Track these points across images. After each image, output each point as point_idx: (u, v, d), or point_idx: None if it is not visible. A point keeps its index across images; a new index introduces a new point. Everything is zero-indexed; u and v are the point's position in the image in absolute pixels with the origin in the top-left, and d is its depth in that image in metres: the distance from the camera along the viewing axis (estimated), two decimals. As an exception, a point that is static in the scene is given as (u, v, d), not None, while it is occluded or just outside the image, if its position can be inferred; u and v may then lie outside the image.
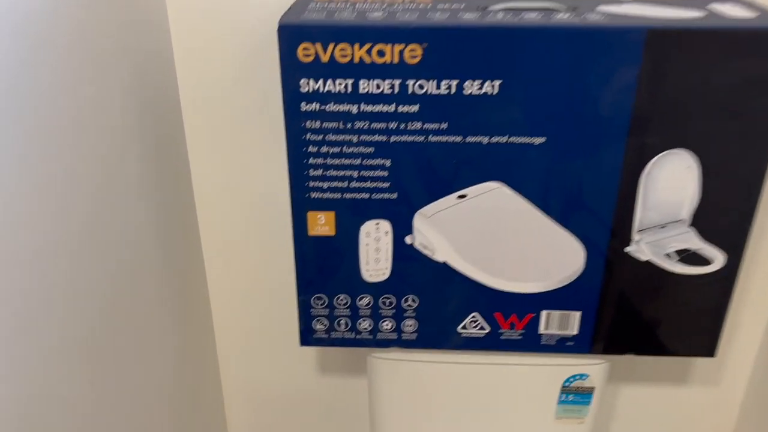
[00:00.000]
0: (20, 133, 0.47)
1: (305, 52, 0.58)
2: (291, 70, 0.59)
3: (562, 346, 0.72)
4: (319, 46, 0.58)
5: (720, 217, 0.64)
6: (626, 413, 0.94)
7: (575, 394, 0.78)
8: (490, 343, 0.73)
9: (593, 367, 0.76)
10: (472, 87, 0.59)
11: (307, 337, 0.74)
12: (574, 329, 0.71)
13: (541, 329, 0.71)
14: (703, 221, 0.64)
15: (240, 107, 0.75)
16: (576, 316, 0.70)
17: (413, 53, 0.58)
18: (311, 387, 0.94)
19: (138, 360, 0.68)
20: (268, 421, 0.98)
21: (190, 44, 0.73)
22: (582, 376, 0.77)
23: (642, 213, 0.64)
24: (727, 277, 0.67)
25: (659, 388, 0.91)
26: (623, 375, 0.90)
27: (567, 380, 0.77)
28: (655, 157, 0.61)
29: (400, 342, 0.74)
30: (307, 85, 0.60)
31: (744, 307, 0.84)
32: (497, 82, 0.59)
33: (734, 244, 0.65)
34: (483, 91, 0.59)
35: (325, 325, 0.73)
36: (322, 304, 0.72)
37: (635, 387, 0.91)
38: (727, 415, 0.93)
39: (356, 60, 0.58)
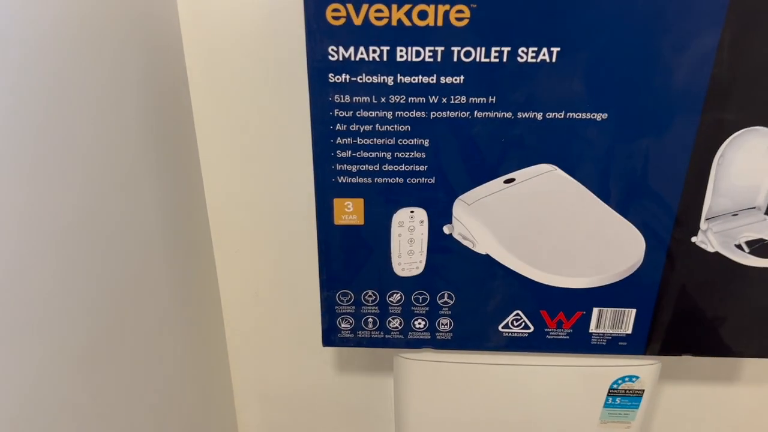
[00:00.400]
0: (28, 133, 0.39)
1: (335, 14, 0.50)
2: (318, 35, 0.51)
3: (614, 346, 0.65)
4: (351, 7, 0.50)
5: (801, 204, 0.57)
6: (671, 414, 0.87)
7: (623, 397, 0.71)
8: (535, 344, 0.66)
9: (644, 368, 0.69)
10: (526, 55, 0.51)
11: (330, 337, 0.67)
12: (628, 328, 0.64)
13: (592, 328, 0.64)
14: (781, 208, 0.57)
15: (251, 85, 0.67)
16: (631, 314, 0.63)
17: (460, 15, 0.50)
18: (328, 387, 0.87)
19: (146, 361, 0.60)
20: (281, 423, 0.91)
21: (198, 7, 0.65)
22: (632, 378, 0.70)
23: (712, 199, 0.57)
24: (804, 270, 0.60)
25: (708, 387, 0.84)
26: (670, 374, 0.84)
27: (615, 382, 0.70)
28: (732, 136, 0.54)
29: (434, 342, 0.67)
30: (336, 53, 0.52)
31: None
32: (555, 50, 0.51)
33: (815, 233, 0.58)
34: (539, 59, 0.51)
35: (351, 324, 0.66)
36: (348, 301, 0.64)
37: (682, 386, 0.84)
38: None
39: (394, 23, 0.50)
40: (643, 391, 0.71)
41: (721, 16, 0.49)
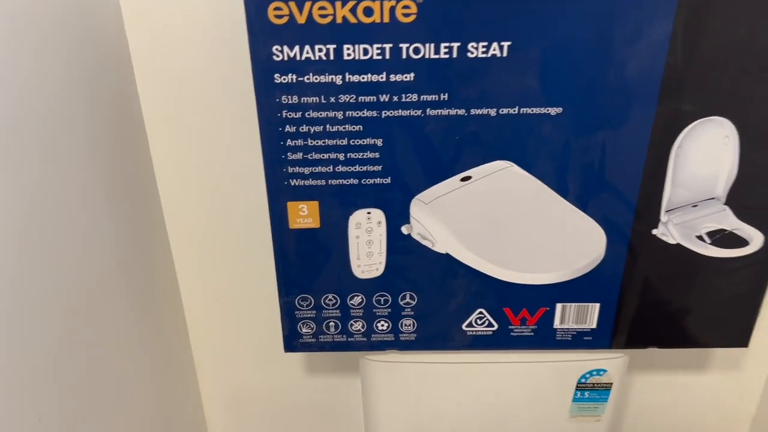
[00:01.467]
0: None
1: (277, 12, 0.48)
2: (261, 35, 0.49)
3: (579, 341, 0.64)
4: (293, 5, 0.48)
5: (760, 194, 0.56)
6: (642, 403, 0.87)
7: (591, 391, 0.71)
8: (500, 342, 0.65)
9: (612, 362, 0.69)
10: (476, 50, 0.50)
11: (292, 343, 0.65)
12: (592, 323, 0.63)
13: (556, 324, 0.63)
14: (740, 198, 0.56)
15: (202, 85, 0.65)
16: (595, 309, 0.62)
17: (407, 10, 0.48)
18: (296, 390, 0.86)
19: (108, 372, 0.58)
20: (251, 427, 0.90)
21: (145, 27, 0.62)
22: (599, 371, 0.69)
23: (672, 191, 0.56)
24: (765, 259, 0.59)
25: (677, 376, 0.84)
26: (639, 364, 0.83)
27: (583, 376, 0.70)
28: (689, 126, 0.53)
29: (399, 344, 0.65)
30: (280, 53, 0.50)
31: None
32: (506, 44, 0.50)
33: (775, 222, 0.57)
34: (490, 54, 0.50)
35: (313, 329, 0.64)
36: (308, 306, 0.63)
37: (652, 376, 0.84)
38: (748, 403, 0.87)
39: (339, 20, 0.49)
40: (612, 384, 0.70)
41: (673, 5, 0.48)
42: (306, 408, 0.87)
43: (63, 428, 0.51)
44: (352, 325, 0.64)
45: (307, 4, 0.48)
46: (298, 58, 0.50)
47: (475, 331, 0.64)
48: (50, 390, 0.50)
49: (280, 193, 0.56)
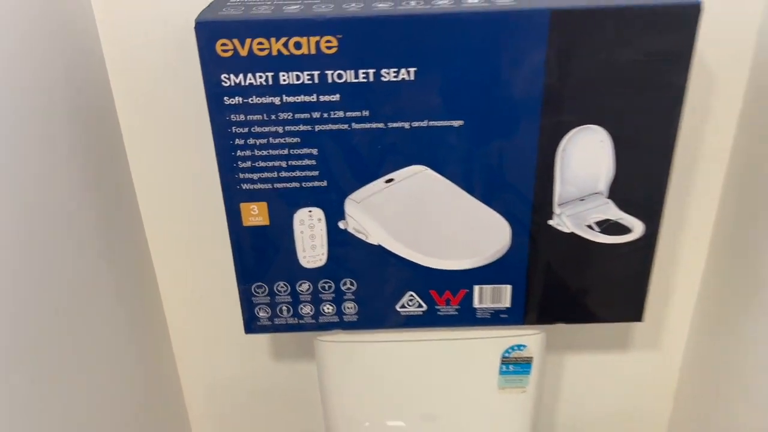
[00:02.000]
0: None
1: (223, 47, 0.59)
2: (211, 66, 0.60)
3: (496, 318, 0.75)
4: (236, 42, 0.59)
5: (636, 188, 0.67)
6: (571, 382, 0.97)
7: (515, 365, 0.81)
8: (429, 320, 0.75)
9: (530, 338, 0.79)
10: (389, 74, 0.61)
11: (251, 325, 0.76)
12: (506, 302, 0.74)
13: (476, 303, 0.74)
14: (620, 192, 0.67)
15: (173, 105, 0.76)
16: (507, 290, 0.73)
17: (329, 44, 0.60)
18: (266, 374, 0.96)
19: (91, 363, 0.69)
20: (227, 411, 1.00)
21: (120, 47, 0.73)
22: (520, 346, 0.80)
23: (561, 187, 0.67)
24: (648, 244, 0.70)
25: (602, 356, 0.95)
26: (566, 345, 0.94)
27: (506, 351, 0.80)
28: (569, 134, 0.64)
29: (343, 324, 0.76)
30: (228, 80, 0.61)
31: (676, 273, 0.88)
32: (413, 69, 0.61)
33: (651, 212, 0.68)
34: (400, 78, 0.61)
35: (268, 313, 0.75)
36: (263, 292, 0.73)
37: (578, 356, 0.95)
38: (668, 378, 0.97)
39: (274, 53, 0.60)
40: (532, 358, 0.81)
41: (544, 36, 0.59)
42: (276, 391, 0.97)
43: (44, 417, 0.62)
44: (301, 308, 0.75)
45: (248, 41, 0.59)
46: (242, 84, 0.61)
47: (407, 311, 0.75)
48: (29, 379, 0.60)
49: (233, 196, 0.67)
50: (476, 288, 0.73)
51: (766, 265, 0.72)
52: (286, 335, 0.93)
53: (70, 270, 0.66)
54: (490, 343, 0.80)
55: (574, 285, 0.73)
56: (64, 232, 0.65)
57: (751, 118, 0.75)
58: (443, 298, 0.74)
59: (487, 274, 0.72)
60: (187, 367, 0.96)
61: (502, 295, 0.74)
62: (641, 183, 0.67)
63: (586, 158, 0.65)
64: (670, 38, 0.59)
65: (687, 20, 0.59)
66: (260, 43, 0.59)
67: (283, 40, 0.59)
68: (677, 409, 0.98)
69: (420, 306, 0.74)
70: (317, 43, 0.59)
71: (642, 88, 0.62)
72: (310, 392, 0.98)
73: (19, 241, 0.58)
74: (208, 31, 0.59)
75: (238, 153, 0.65)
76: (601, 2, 0.59)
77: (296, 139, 0.64)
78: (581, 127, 0.64)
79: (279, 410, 1.00)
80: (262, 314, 0.75)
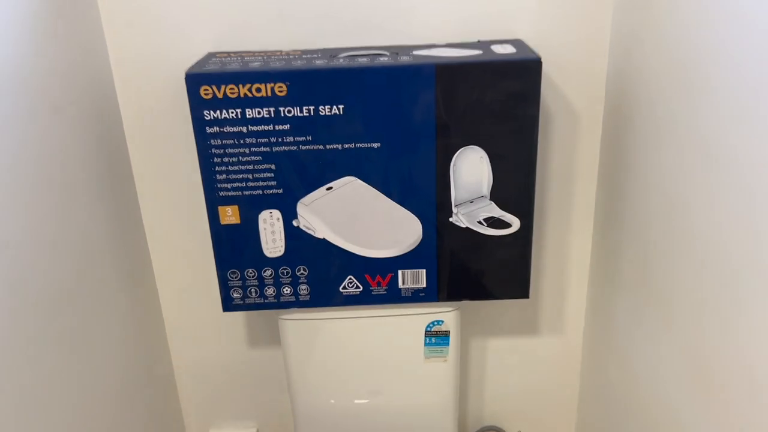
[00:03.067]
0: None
1: (205, 92, 0.84)
2: (197, 104, 0.84)
3: (417, 296, 0.97)
4: (215, 87, 0.83)
5: (510, 192, 0.90)
6: (494, 363, 1.19)
7: (436, 338, 1.03)
8: (365, 299, 0.98)
9: (446, 314, 1.01)
10: (324, 110, 0.85)
11: (227, 304, 0.98)
12: (423, 283, 0.96)
13: (400, 285, 0.97)
14: (499, 196, 0.90)
15: (170, 132, 1.00)
16: (423, 273, 0.96)
17: (281, 88, 0.84)
18: (243, 354, 1.17)
19: (93, 342, 0.91)
20: (212, 388, 1.21)
21: (132, 91, 0.98)
22: (438, 322, 1.02)
23: (455, 192, 0.90)
24: (525, 235, 0.93)
25: (518, 340, 1.17)
26: (489, 331, 1.16)
27: (428, 326, 1.02)
28: (457, 152, 0.88)
29: (299, 303, 0.98)
30: (209, 115, 0.85)
31: (568, 268, 1.11)
32: (341, 106, 0.85)
33: (524, 211, 0.91)
34: (333, 112, 0.85)
35: (241, 294, 0.97)
36: (236, 278, 0.96)
37: (499, 340, 1.16)
38: (573, 358, 1.19)
39: (242, 95, 0.84)
40: (449, 331, 1.03)
41: (433, 82, 0.83)
42: (255, 370, 1.19)
43: (49, 384, 0.84)
44: (266, 290, 0.97)
45: (223, 87, 0.83)
46: (219, 117, 0.85)
47: (348, 291, 0.97)
48: (41, 339, 0.83)
49: (213, 201, 0.90)
50: (400, 272, 0.96)
51: (628, 257, 0.95)
52: (262, 322, 1.14)
53: (79, 257, 0.89)
54: (415, 320, 1.02)
55: (473, 269, 0.95)
56: (81, 232, 0.88)
57: (609, 138, 0.99)
58: (375, 281, 0.96)
59: (407, 260, 0.95)
60: (178, 352, 1.17)
61: (420, 278, 0.96)
62: (513, 188, 0.90)
63: (471, 170, 0.89)
64: (521, 83, 0.84)
65: (533, 70, 0.83)
66: (231, 89, 0.84)
67: (247, 86, 0.83)
68: (583, 385, 1.19)
69: (357, 287, 0.97)
70: (272, 88, 0.84)
71: (506, 118, 0.86)
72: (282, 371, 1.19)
73: (49, 222, 0.81)
74: (194, 80, 0.83)
75: (216, 168, 0.88)
76: (472, 58, 0.83)
77: (259, 158, 0.88)
78: (466, 147, 0.87)
79: (256, 384, 1.20)
80: (235, 295, 0.97)
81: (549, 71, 0.97)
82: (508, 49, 0.87)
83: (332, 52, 0.90)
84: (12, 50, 0.73)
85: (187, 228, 1.07)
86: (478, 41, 0.93)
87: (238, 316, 1.14)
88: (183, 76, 0.96)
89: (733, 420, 0.68)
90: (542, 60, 0.83)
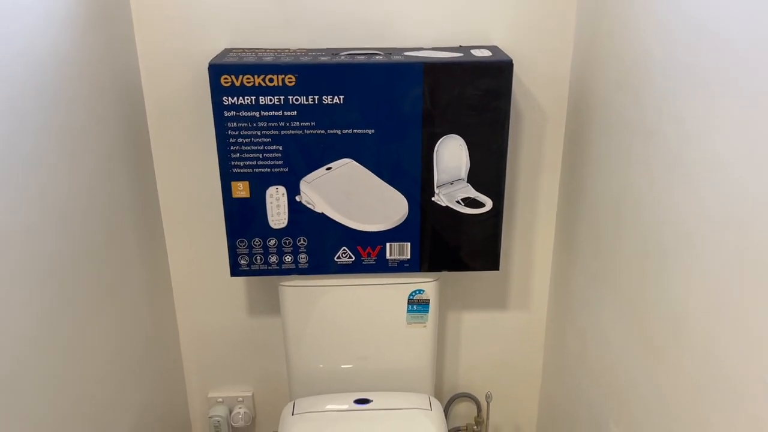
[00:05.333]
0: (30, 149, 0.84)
1: (225, 80, 0.97)
2: (217, 91, 0.98)
3: (402, 267, 1.11)
4: (233, 77, 0.97)
5: (484, 176, 1.05)
6: (468, 335, 1.33)
7: (417, 305, 1.17)
8: (357, 268, 1.11)
9: (427, 284, 1.15)
10: (327, 99, 0.99)
11: (235, 270, 1.11)
12: (408, 255, 1.10)
13: (388, 256, 1.10)
14: (474, 179, 1.05)
15: (191, 115, 1.14)
16: (408, 246, 1.10)
17: (290, 80, 0.98)
18: (243, 322, 1.30)
19: (113, 305, 1.04)
20: (214, 354, 1.33)
21: (156, 80, 1.11)
22: (419, 291, 1.16)
23: (437, 175, 1.04)
24: (496, 214, 1.07)
25: (489, 314, 1.31)
26: (463, 305, 1.30)
27: (411, 294, 1.16)
28: (440, 140, 1.02)
29: (298, 270, 1.12)
30: (227, 100, 0.99)
31: (533, 250, 1.25)
32: (342, 96, 0.99)
33: (496, 192, 1.06)
34: (334, 102, 0.99)
35: (247, 261, 1.10)
36: (244, 246, 1.09)
37: (472, 314, 1.31)
38: (538, 332, 1.33)
39: (256, 84, 0.98)
40: (429, 300, 1.17)
41: (421, 78, 0.98)
42: (256, 336, 1.31)
43: (69, 337, 0.97)
44: (270, 258, 1.10)
45: (240, 77, 0.97)
46: (236, 103, 0.99)
47: (342, 261, 1.11)
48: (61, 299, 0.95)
49: (227, 176, 1.04)
50: (387, 245, 1.10)
51: (585, 237, 1.10)
52: (264, 290, 1.27)
53: (104, 223, 1.02)
54: (399, 288, 1.15)
55: (451, 243, 1.10)
56: (107, 212, 1.01)
57: (572, 132, 1.14)
58: (366, 252, 1.10)
59: (394, 234, 1.09)
60: (183, 317, 1.30)
61: (405, 250, 1.10)
62: (487, 173, 1.05)
63: (452, 156, 1.03)
64: (495, 81, 0.98)
65: (506, 70, 0.98)
66: (248, 78, 0.97)
67: (261, 77, 0.97)
68: (546, 354, 1.34)
69: (350, 257, 1.11)
70: (283, 79, 0.98)
71: (482, 111, 1.00)
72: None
73: (82, 207, 0.94)
74: (216, 70, 0.97)
75: (231, 147, 1.02)
76: (454, 59, 0.98)
77: (268, 139, 1.02)
78: (447, 135, 1.02)
79: (257, 348, 1.33)
80: (242, 262, 1.10)
81: (520, 74, 1.12)
82: (485, 53, 1.02)
83: (334, 51, 1.04)
84: (55, 43, 0.86)
85: (196, 202, 1.20)
86: (460, 46, 1.08)
87: (241, 285, 1.27)
88: (201, 68, 1.09)
89: (671, 373, 0.82)
90: (514, 62, 0.98)
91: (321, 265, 1.11)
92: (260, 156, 1.03)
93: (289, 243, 1.09)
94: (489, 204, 1.07)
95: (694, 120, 0.73)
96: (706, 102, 0.71)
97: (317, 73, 0.98)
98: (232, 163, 1.03)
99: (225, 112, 0.99)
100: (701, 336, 0.73)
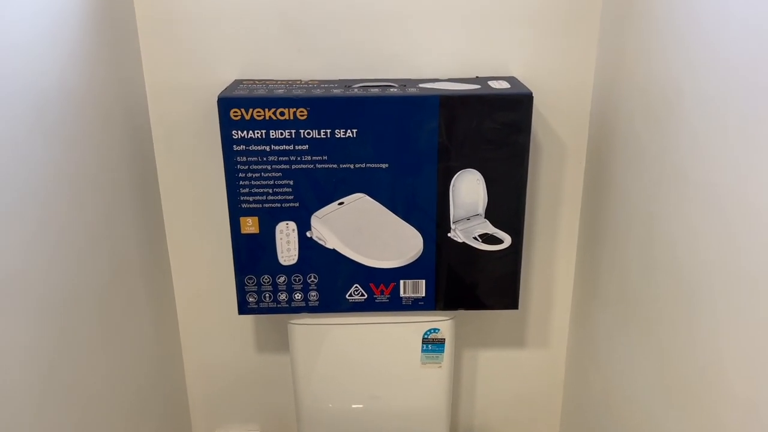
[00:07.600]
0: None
1: (234, 114, 0.94)
2: (227, 125, 0.95)
3: (416, 305, 1.07)
4: (243, 110, 0.94)
5: (502, 212, 1.01)
6: (484, 373, 1.28)
7: (432, 344, 1.12)
8: (369, 306, 1.07)
9: (442, 323, 1.11)
10: (340, 133, 0.96)
11: (243, 308, 1.07)
12: (422, 293, 1.06)
13: (402, 294, 1.06)
14: (492, 214, 1.01)
15: (203, 150, 1.11)
16: (422, 283, 1.05)
17: (302, 113, 0.94)
18: (250, 358, 1.26)
19: (117, 352, 1.00)
20: (222, 391, 1.29)
21: (163, 111, 1.08)
22: (435, 329, 1.11)
23: (454, 210, 1.01)
24: (515, 251, 1.03)
25: (507, 352, 1.26)
26: (480, 343, 1.25)
27: (426, 333, 1.11)
28: (456, 174, 0.98)
29: (308, 308, 1.07)
30: (237, 134, 0.95)
31: (554, 287, 1.21)
32: (355, 130, 0.96)
33: (515, 229, 1.02)
34: (347, 135, 0.96)
35: (255, 298, 1.06)
36: (252, 283, 1.05)
37: (489, 352, 1.26)
38: (557, 370, 1.28)
39: (267, 118, 0.95)
40: (444, 339, 1.12)
41: (437, 111, 0.94)
42: (262, 372, 1.27)
43: (76, 377, 0.93)
44: (279, 295, 1.06)
45: (250, 110, 0.94)
46: (245, 137, 0.95)
47: (354, 299, 1.07)
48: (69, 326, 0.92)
49: (236, 212, 1.00)
50: (401, 282, 1.05)
51: (609, 274, 1.05)
52: (271, 328, 1.23)
53: (110, 261, 0.98)
54: (413, 327, 1.11)
55: (468, 280, 1.05)
56: (110, 236, 0.98)
57: (593, 165, 1.10)
58: (379, 289, 1.06)
59: (409, 271, 1.04)
60: (189, 353, 1.26)
61: (419, 287, 1.06)
62: (506, 208, 1.01)
63: (468, 191, 0.99)
64: (514, 114, 0.95)
65: (525, 103, 0.94)
66: (258, 112, 0.94)
67: (272, 110, 0.94)
68: (566, 394, 1.28)
69: (363, 295, 1.06)
70: (294, 113, 0.94)
71: (500, 145, 0.97)
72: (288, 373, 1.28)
73: (79, 231, 0.90)
74: (226, 103, 0.94)
75: (240, 182, 0.98)
76: (471, 91, 0.95)
77: (279, 174, 0.98)
78: (464, 170, 0.98)
79: (265, 387, 1.29)
80: (251, 300, 1.06)
81: (539, 106, 1.08)
82: (503, 85, 0.98)
83: (347, 83, 1.01)
84: (61, 76, 0.83)
85: (203, 237, 1.16)
86: (477, 77, 1.05)
87: (248, 322, 1.23)
88: (210, 99, 1.06)
89: (705, 422, 0.77)
90: (533, 95, 0.94)
91: (332, 302, 1.07)
92: (270, 191, 0.99)
93: (300, 280, 1.05)
94: (508, 240, 1.03)
95: (730, 161, 0.69)
96: (742, 142, 0.67)
97: (330, 106, 0.94)
98: (241, 198, 1.00)
99: (234, 146, 0.96)
100: (744, 391, 0.68)
